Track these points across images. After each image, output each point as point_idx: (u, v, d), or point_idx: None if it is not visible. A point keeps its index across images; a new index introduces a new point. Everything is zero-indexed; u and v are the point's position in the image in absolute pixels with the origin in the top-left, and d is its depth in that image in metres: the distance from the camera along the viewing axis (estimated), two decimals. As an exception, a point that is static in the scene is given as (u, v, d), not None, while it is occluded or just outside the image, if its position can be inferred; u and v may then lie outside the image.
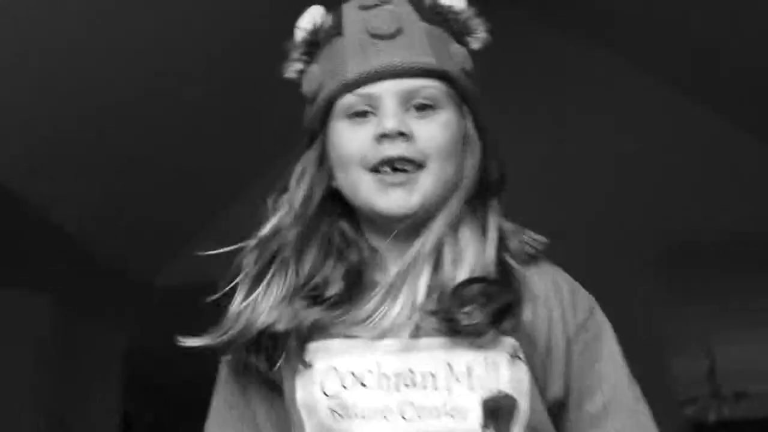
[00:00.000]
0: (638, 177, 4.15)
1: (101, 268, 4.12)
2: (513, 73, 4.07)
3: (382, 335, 0.93)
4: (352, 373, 0.93)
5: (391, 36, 0.97)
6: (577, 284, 1.01)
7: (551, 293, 0.98)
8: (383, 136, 0.93)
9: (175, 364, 5.32)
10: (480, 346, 0.91)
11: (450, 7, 1.01)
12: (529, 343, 0.93)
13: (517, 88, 4.10)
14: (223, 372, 1.05)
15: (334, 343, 0.94)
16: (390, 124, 0.93)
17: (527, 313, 0.94)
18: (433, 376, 0.93)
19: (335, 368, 0.94)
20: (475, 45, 1.02)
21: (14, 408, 4.07)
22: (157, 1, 3.36)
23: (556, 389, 0.96)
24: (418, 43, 0.97)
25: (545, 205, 4.02)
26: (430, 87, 0.96)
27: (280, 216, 1.01)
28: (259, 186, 4.12)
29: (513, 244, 0.96)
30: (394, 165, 0.95)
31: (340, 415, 0.93)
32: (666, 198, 4.13)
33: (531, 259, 0.97)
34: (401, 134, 0.94)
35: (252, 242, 1.02)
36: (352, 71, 0.96)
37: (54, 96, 3.32)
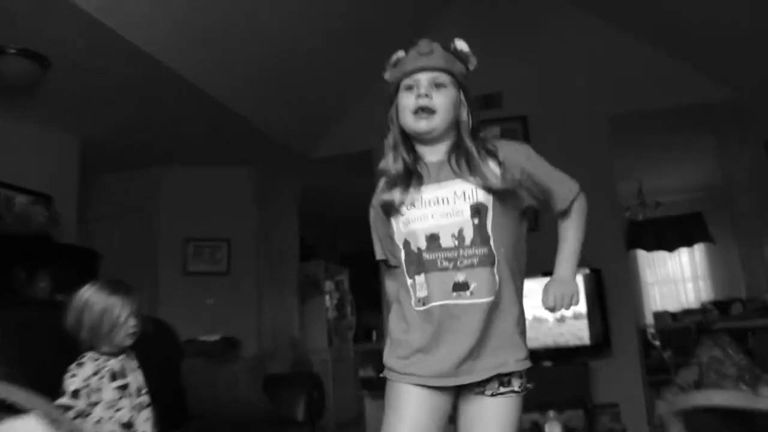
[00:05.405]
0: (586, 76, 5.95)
1: (281, 148, 6.14)
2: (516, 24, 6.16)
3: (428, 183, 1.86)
4: (411, 203, 1.85)
5: (427, 54, 1.88)
6: (517, 144, 1.90)
7: (510, 153, 1.85)
8: (419, 96, 1.85)
9: (328, 200, 7.90)
10: (470, 182, 1.81)
11: (461, 50, 1.93)
12: (497, 178, 1.80)
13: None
14: (372, 212, 2.01)
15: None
16: (423, 90, 1.85)
17: (496, 167, 1.82)
18: (447, 198, 1.82)
19: (406, 204, 1.87)
20: (471, 67, 1.93)
21: (241, 230, 6.34)
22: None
23: (527, 199, 1.86)
24: (439, 58, 1.88)
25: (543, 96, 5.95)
26: (442, 76, 1.87)
27: (389, 138, 1.94)
28: (374, 89, 6.04)
29: (487, 142, 1.87)
30: (423, 109, 1.85)
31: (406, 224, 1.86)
32: (610, 87, 5.90)
33: (497, 142, 1.88)
34: (426, 95, 1.85)
35: (387, 153, 1.94)
36: (408, 67, 1.89)
37: (243, 24, 4.59)
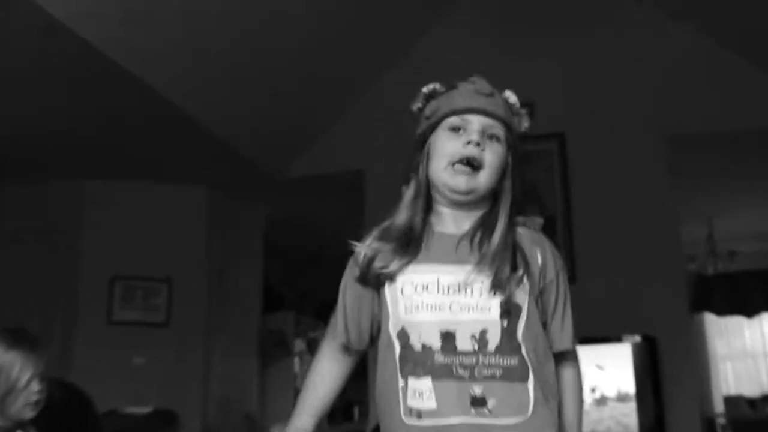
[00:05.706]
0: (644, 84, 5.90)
1: (245, 163, 6.04)
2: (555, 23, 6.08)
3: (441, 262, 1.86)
4: (422, 285, 1.84)
5: (487, 95, 1.94)
6: (558, 254, 1.96)
7: (546, 251, 1.93)
8: (469, 143, 1.88)
9: (301, 233, 7.84)
10: (497, 272, 1.81)
11: (514, 104, 2.00)
12: (531, 275, 1.85)
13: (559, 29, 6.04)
14: (349, 275, 2.01)
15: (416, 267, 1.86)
16: (475, 137, 1.89)
17: (532, 261, 1.87)
18: (471, 288, 1.81)
19: (411, 282, 1.86)
20: (522, 128, 2.02)
21: (186, 267, 6.34)
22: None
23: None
24: (500, 105, 1.95)
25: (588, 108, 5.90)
26: (499, 128, 1.93)
27: (410, 189, 1.98)
28: (369, 95, 6.16)
29: (521, 226, 1.92)
30: (468, 161, 1.87)
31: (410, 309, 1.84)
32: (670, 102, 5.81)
33: (534, 231, 1.94)
34: (478, 144, 1.88)
35: (402, 209, 1.97)
36: (461, 104, 1.93)
37: (210, 30, 4.71)
